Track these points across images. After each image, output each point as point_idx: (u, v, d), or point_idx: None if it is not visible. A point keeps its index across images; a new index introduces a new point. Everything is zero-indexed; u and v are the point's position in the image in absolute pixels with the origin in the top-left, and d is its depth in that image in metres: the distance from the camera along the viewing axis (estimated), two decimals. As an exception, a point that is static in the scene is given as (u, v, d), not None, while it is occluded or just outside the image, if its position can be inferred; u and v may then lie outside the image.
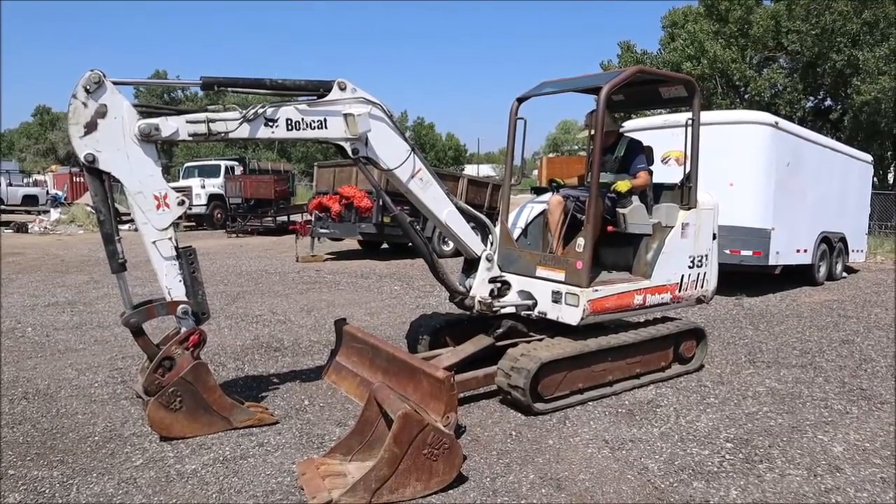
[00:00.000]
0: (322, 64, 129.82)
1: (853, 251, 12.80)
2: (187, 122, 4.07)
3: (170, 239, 4.09)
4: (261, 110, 4.21)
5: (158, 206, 4.03)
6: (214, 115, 4.13)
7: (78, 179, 34.24)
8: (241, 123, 4.17)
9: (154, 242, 4.05)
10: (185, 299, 4.16)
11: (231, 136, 4.19)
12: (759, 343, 7.00)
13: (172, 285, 4.12)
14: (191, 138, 4.11)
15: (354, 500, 3.25)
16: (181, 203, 4.13)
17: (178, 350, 4.10)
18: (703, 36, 23.43)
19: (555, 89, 5.57)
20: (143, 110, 4.05)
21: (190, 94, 55.86)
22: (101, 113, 3.82)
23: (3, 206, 28.04)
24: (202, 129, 4.09)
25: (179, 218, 4.29)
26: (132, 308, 4.12)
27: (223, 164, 24.67)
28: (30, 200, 29.45)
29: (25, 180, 36.45)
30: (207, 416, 4.14)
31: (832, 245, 11.72)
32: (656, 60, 25.50)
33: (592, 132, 5.29)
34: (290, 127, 4.32)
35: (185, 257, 4.20)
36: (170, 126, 4.01)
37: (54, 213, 24.16)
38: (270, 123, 4.26)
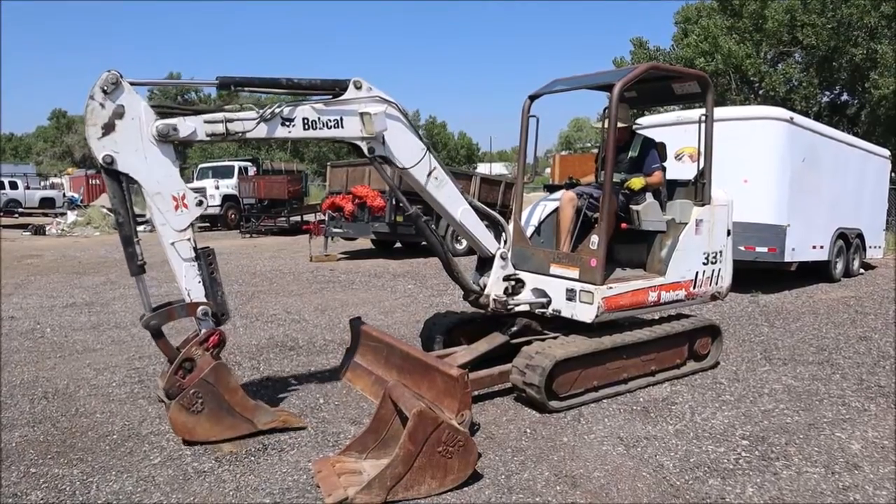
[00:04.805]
0: (333, 63, 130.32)
1: (870, 247, 12.65)
2: (205, 122, 4.04)
3: (188, 240, 4.06)
4: (277, 110, 4.18)
5: (177, 207, 4.00)
6: (232, 114, 4.09)
7: (94, 182, 34.74)
8: (258, 123, 4.15)
9: (173, 244, 4.02)
10: (205, 300, 4.13)
11: (248, 136, 4.15)
12: (775, 340, 6.94)
13: (192, 286, 4.09)
14: (208, 138, 4.07)
15: (370, 497, 3.26)
16: (199, 203, 4.10)
17: (198, 351, 4.05)
18: (716, 31, 23.24)
19: (567, 87, 5.55)
20: (160, 111, 4.00)
21: (203, 96, 56.23)
22: (119, 114, 3.80)
23: (21, 209, 28.55)
24: (220, 128, 4.06)
25: (195, 218, 4.27)
26: (152, 310, 4.07)
27: (237, 164, 24.88)
28: (47, 203, 30.00)
29: (42, 183, 37.02)
30: (230, 419, 4.06)
31: (849, 241, 11.59)
32: (669, 57, 25.34)
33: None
34: (306, 126, 4.29)
35: (204, 258, 4.15)
36: (187, 126, 3.98)
37: (71, 216, 24.44)
38: (287, 123, 4.24)
